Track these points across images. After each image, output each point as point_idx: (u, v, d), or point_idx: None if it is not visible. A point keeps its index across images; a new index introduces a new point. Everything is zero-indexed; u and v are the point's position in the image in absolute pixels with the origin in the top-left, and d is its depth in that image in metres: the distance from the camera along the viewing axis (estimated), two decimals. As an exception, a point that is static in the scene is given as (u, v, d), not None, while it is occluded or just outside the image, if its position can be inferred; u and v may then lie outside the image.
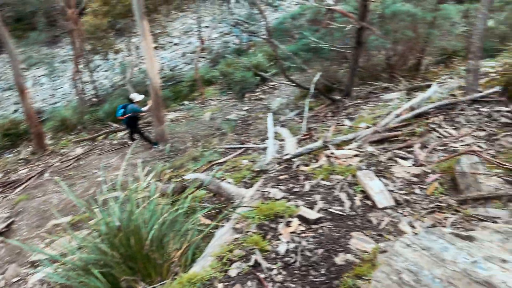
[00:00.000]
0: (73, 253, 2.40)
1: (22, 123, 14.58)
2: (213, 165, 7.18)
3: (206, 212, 2.80)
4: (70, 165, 10.07)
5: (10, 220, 7.42)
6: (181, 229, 2.52)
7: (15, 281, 4.88)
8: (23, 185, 9.27)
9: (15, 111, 17.56)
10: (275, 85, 14.38)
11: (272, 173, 3.91)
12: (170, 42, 21.28)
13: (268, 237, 2.38)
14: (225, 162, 7.08)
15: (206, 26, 21.34)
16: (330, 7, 8.32)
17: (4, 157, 13.20)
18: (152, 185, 2.77)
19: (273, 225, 2.52)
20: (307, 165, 3.86)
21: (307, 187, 3.33)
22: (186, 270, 2.09)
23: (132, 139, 11.02)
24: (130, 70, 16.09)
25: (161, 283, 2.17)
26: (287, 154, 4.27)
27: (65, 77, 19.07)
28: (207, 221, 3.39)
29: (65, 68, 19.40)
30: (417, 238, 1.57)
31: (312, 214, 2.73)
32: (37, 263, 5.18)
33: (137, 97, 10.69)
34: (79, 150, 11.32)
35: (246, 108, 12.76)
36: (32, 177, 9.62)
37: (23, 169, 10.68)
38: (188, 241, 2.46)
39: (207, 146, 9.16)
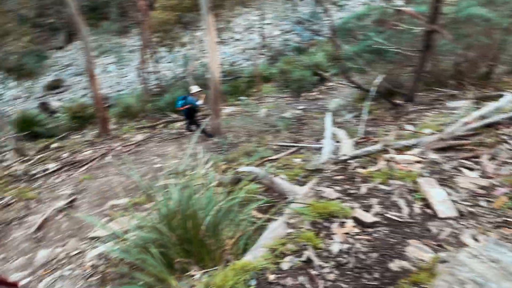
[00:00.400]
0: (133, 231, 2.51)
1: (89, 107, 15.50)
2: (265, 161, 7.20)
3: (260, 204, 2.82)
4: (131, 150, 10.54)
5: (73, 197, 7.89)
6: (235, 218, 2.56)
7: (75, 254, 5.18)
8: (87, 165, 9.84)
9: (84, 95, 18.69)
10: (333, 85, 14.19)
11: (327, 173, 3.85)
12: (232, 38, 21.63)
13: (321, 235, 2.35)
14: (277, 159, 7.08)
15: (268, 23, 21.45)
16: (399, 8, 8.03)
17: (71, 138, 14.11)
18: (211, 173, 2.84)
19: (326, 224, 2.48)
20: (364, 168, 3.76)
21: (363, 190, 3.25)
22: (238, 258, 2.12)
23: (190, 130, 11.36)
24: (192, 63, 16.57)
25: (213, 268, 2.21)
26: (344, 155, 4.19)
27: (132, 66, 19.99)
28: (259, 214, 3.42)
29: (132, 58, 20.34)
30: (485, 250, 1.48)
31: (367, 217, 2.66)
32: (96, 239, 5.48)
33: (194, 89, 11.05)
34: (139, 137, 11.83)
35: (301, 107, 12.69)
36: (95, 158, 10.19)
37: (87, 151, 11.33)
38: (241, 230, 2.50)
39: (261, 142, 9.21)
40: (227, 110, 13.53)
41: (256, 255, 2.04)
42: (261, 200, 2.91)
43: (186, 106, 10.62)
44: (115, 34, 21.45)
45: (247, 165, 7.09)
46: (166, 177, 2.74)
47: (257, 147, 8.66)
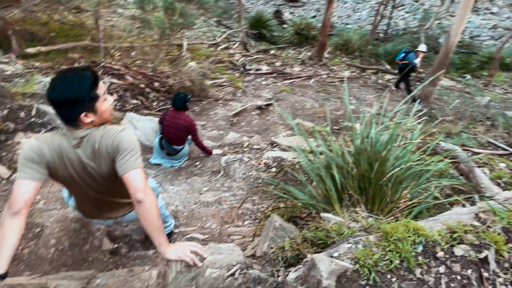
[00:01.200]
0: (321, 147, 2.64)
1: (314, 29, 16.04)
2: (464, 149, 6.48)
3: (453, 183, 2.60)
4: (334, 82, 10.72)
5: (270, 102, 8.62)
6: (421, 184, 2.43)
7: (255, 148, 5.79)
8: (291, 80, 10.48)
9: (314, 17, 19.29)
10: None
11: (540, 191, 3.26)
12: (487, 9, 18.79)
13: (510, 245, 2.07)
14: (479, 153, 6.29)
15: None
16: None
17: (288, 50, 15.04)
18: (416, 132, 2.70)
19: (521, 239, 2.16)
20: None
21: None
22: (407, 220, 2.05)
23: (397, 87, 10.85)
24: (431, 20, 15.22)
25: (379, 216, 2.20)
26: None
27: (368, 3, 19.49)
28: (441, 194, 3.18)
29: (372, -4, 19.74)
30: None
31: None
32: (276, 144, 5.98)
33: (421, 47, 10.30)
34: (346, 73, 11.87)
35: (538, 112, 10.65)
36: (301, 77, 10.73)
37: (297, 67, 11.98)
38: (421, 198, 2.37)
39: (468, 129, 8.25)
40: (446, 83, 12.31)
41: (431, 226, 1.93)
42: (455, 180, 2.67)
43: (405, 62, 10.06)
44: (368, -34, 20.88)
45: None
46: (364, 118, 2.71)
47: (462, 131, 7.81)
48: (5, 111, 4.41)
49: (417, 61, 10.15)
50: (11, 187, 3.77)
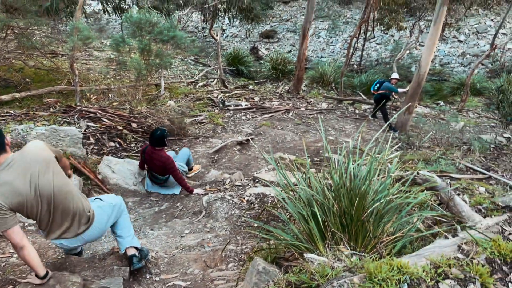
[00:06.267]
0: (300, 184, 2.61)
1: (290, 63, 16.40)
2: (443, 176, 6.56)
3: (433, 215, 2.59)
4: (312, 114, 10.87)
5: (250, 137, 8.63)
6: (402, 217, 2.42)
7: (237, 185, 5.73)
8: (270, 114, 10.57)
9: (289, 51, 19.76)
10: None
11: (520, 216, 3.29)
12: (454, 37, 19.63)
13: (495, 276, 2.05)
14: (459, 179, 6.37)
15: (504, 33, 18.67)
16: None
17: (266, 85, 15.27)
18: (393, 164, 2.71)
19: (505, 269, 2.14)
20: None
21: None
22: (390, 257, 2.02)
23: (374, 116, 11.06)
24: (402, 51, 15.79)
25: (362, 253, 2.16)
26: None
27: (341, 37, 20.13)
28: (422, 225, 3.17)
29: (344, 29, 20.41)
30: None
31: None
32: (257, 180, 5.93)
33: (394, 76, 10.66)
34: (324, 105, 12.07)
35: (507, 135, 10.95)
36: (280, 111, 10.85)
37: (275, 101, 12.12)
38: (403, 232, 2.35)
39: (446, 154, 8.39)
40: (421, 110, 12.63)
41: (415, 262, 1.91)
42: (435, 212, 2.66)
43: (380, 91, 10.33)
44: (339, 2, 21.70)
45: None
46: (342, 150, 2.71)
47: (439, 158, 7.93)
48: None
49: (401, 90, 10.58)
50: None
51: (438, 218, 3.12)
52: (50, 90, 8.98)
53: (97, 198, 2.97)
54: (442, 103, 14.55)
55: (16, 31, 9.87)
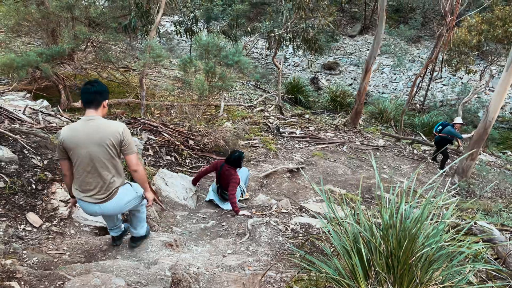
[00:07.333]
0: (348, 219, 2.56)
1: (350, 96, 16.29)
2: (503, 230, 6.12)
3: (488, 269, 2.42)
4: (367, 150, 10.65)
5: (301, 166, 8.60)
6: (453, 266, 2.29)
7: (284, 212, 5.70)
8: (324, 145, 10.49)
9: (350, 84, 19.63)
10: None
11: None
12: (529, 85, 18.54)
13: None
14: (523, 236, 5.91)
15: None
16: None
17: (323, 116, 15.24)
18: (451, 207, 2.59)
19: None
20: None
21: None
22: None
23: (434, 160, 10.63)
24: (470, 94, 15.17)
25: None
26: None
27: (405, 75, 19.72)
28: (473, 278, 2.97)
29: (410, 67, 20.00)
30: None
31: None
32: (304, 210, 5.87)
33: (458, 120, 10.25)
34: (380, 142, 11.78)
35: None
36: (334, 143, 10.74)
37: (330, 133, 12.03)
38: (454, 282, 2.22)
39: (509, 207, 7.84)
40: (484, 157, 11.95)
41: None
42: (490, 266, 2.49)
43: (442, 134, 9.94)
44: (406, 40, 21.36)
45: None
46: (394, 190, 2.64)
47: (501, 210, 7.43)
48: (46, 161, 4.61)
49: (465, 136, 10.25)
50: (41, 236, 3.85)
51: (493, 273, 2.91)
52: (118, 102, 9.57)
53: (128, 183, 3.36)
54: (509, 152, 13.72)
55: (95, 44, 10.70)
